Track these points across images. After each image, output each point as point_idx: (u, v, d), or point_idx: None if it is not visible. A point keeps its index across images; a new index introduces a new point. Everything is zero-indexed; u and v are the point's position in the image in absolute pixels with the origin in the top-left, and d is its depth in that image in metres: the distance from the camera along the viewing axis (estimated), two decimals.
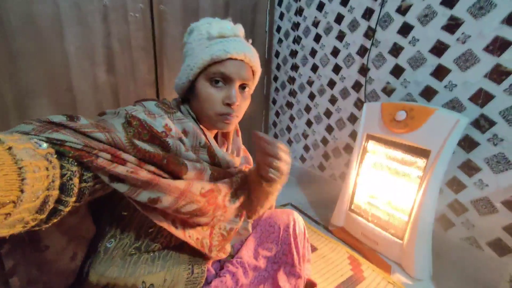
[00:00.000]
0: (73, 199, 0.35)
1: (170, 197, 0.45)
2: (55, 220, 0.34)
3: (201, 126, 0.58)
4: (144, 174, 0.42)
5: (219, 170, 0.58)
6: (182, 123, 0.55)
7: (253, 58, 0.56)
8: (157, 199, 0.44)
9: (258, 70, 0.60)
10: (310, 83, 1.53)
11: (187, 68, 0.55)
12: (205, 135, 0.57)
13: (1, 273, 0.42)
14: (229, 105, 0.54)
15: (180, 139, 0.52)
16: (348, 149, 1.37)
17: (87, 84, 1.19)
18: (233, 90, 0.54)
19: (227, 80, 0.54)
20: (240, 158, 0.69)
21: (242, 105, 0.58)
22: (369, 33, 1.18)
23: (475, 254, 0.94)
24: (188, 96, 0.59)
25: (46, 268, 0.47)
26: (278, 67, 1.74)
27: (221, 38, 0.54)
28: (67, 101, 1.15)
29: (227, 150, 0.66)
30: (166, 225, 0.51)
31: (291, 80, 1.66)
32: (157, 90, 1.38)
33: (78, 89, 1.17)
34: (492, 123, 0.86)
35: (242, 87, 0.57)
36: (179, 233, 0.53)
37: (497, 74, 0.84)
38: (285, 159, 0.50)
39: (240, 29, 0.57)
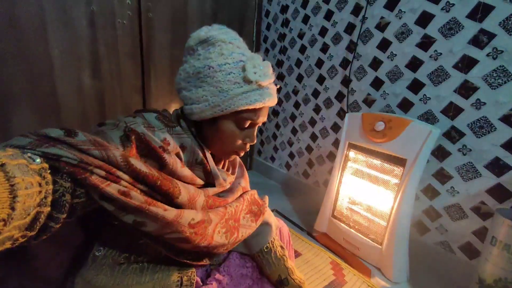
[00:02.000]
0: (64, 215, 0.35)
1: (156, 224, 0.45)
2: (44, 237, 0.34)
3: (200, 143, 0.58)
4: (135, 196, 0.41)
5: (214, 199, 0.57)
6: (180, 138, 0.54)
7: (276, 100, 0.59)
8: (142, 223, 0.44)
9: None
10: (296, 92, 1.57)
11: (216, 107, 0.52)
12: (203, 152, 0.57)
13: None
14: (246, 143, 0.58)
15: (177, 154, 0.52)
16: (331, 157, 1.42)
17: (72, 88, 1.17)
18: (254, 131, 0.58)
19: (253, 124, 0.57)
20: (235, 176, 0.69)
21: None
22: (351, 47, 1.24)
23: (448, 257, 0.99)
24: (203, 124, 0.58)
25: (34, 277, 0.47)
26: None
27: (258, 87, 0.52)
28: (50, 105, 1.13)
29: (223, 167, 0.66)
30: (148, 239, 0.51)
31: (277, 89, 1.69)
32: (143, 96, 1.38)
33: (62, 94, 1.15)
34: (462, 134, 0.93)
35: None
36: (160, 245, 0.53)
37: (465, 90, 0.91)
38: None
39: (272, 73, 0.55)
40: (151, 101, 1.39)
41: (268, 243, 0.67)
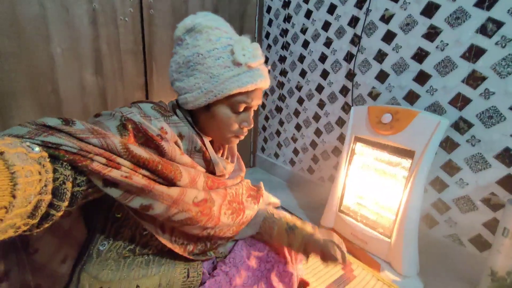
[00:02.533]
0: (66, 203, 0.34)
1: (162, 204, 0.45)
2: (47, 225, 0.33)
3: (197, 131, 0.58)
4: (138, 179, 0.41)
5: (213, 179, 0.58)
6: (178, 126, 0.55)
7: (269, 82, 0.59)
8: (149, 206, 0.44)
9: None
10: (299, 87, 1.56)
11: (209, 93, 0.52)
12: (202, 140, 0.58)
13: None
14: (244, 127, 0.58)
15: (176, 143, 0.52)
16: (336, 151, 1.41)
17: (74, 86, 1.17)
18: (250, 115, 0.58)
19: (247, 107, 0.57)
20: (234, 165, 0.70)
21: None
22: (355, 40, 1.23)
23: (458, 250, 0.98)
24: (199, 111, 0.58)
25: (37, 271, 0.46)
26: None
27: (248, 68, 0.52)
28: (52, 103, 1.12)
29: (222, 155, 0.67)
30: (153, 230, 0.51)
31: (280, 85, 1.69)
32: (146, 93, 1.37)
33: (64, 91, 1.15)
34: (470, 125, 0.92)
35: None
36: (165, 240, 0.53)
37: (473, 80, 0.89)
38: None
39: (261, 54, 0.55)
40: (154, 98, 1.39)
41: (269, 210, 0.70)
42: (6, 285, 0.40)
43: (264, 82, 0.56)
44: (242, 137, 0.61)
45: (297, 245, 0.65)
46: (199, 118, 0.58)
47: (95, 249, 0.55)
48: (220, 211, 0.55)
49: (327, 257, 0.62)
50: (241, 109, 0.56)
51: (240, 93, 0.53)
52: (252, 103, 0.56)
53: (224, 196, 0.58)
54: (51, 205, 0.32)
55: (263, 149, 1.94)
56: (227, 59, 0.51)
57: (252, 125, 0.59)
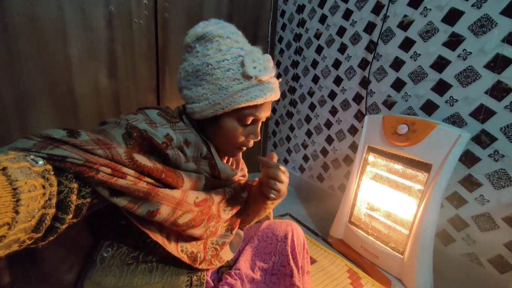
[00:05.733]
0: (70, 216, 0.34)
1: (168, 208, 0.45)
2: (52, 238, 0.33)
3: (204, 137, 0.58)
4: (144, 186, 0.42)
5: (214, 181, 0.58)
6: (184, 133, 0.54)
7: (279, 95, 0.58)
8: (156, 212, 0.44)
9: None
10: (311, 93, 1.53)
11: (216, 105, 0.51)
12: (208, 147, 0.57)
13: None
14: (250, 140, 0.57)
15: (181, 149, 0.52)
16: (348, 160, 1.37)
17: (89, 88, 1.19)
18: (257, 127, 0.57)
19: (255, 120, 0.56)
20: (239, 171, 0.69)
21: None
22: (371, 47, 1.20)
23: (476, 270, 0.92)
24: (206, 122, 0.57)
25: (42, 281, 0.46)
26: (279, 77, 1.75)
27: (258, 82, 0.51)
28: (68, 104, 1.14)
29: (227, 162, 0.66)
30: (160, 240, 0.50)
31: (292, 90, 1.67)
32: (158, 97, 1.38)
33: (79, 93, 1.17)
34: (493, 139, 0.87)
35: None
36: (172, 248, 0.52)
37: (498, 91, 0.85)
38: (284, 181, 0.53)
39: (272, 67, 0.53)
40: (165, 101, 1.39)
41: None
42: None
43: (274, 95, 0.54)
44: (244, 149, 0.60)
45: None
46: (206, 127, 0.58)
47: (99, 256, 0.55)
48: (219, 209, 0.56)
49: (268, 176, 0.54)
50: (249, 122, 0.54)
51: (248, 107, 0.51)
52: (260, 116, 0.55)
53: (223, 196, 0.59)
54: (55, 218, 0.32)
55: None
56: (237, 71, 0.50)
57: (259, 138, 0.57)
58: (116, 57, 1.23)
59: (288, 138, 1.75)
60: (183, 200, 0.48)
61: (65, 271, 0.50)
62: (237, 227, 0.65)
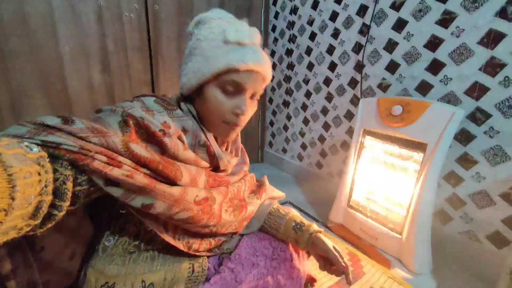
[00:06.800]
0: (67, 203, 0.34)
1: (164, 203, 0.45)
2: (50, 225, 0.33)
3: (201, 126, 0.57)
4: (140, 178, 0.41)
5: (215, 177, 0.57)
6: (181, 121, 0.54)
7: (268, 68, 0.55)
8: (151, 205, 0.44)
9: (269, 79, 0.58)
10: (306, 81, 1.53)
11: (199, 72, 0.52)
12: (205, 134, 0.57)
13: None
14: (237, 114, 0.53)
15: (179, 137, 0.51)
16: (345, 146, 1.37)
17: (82, 84, 1.19)
18: (243, 100, 0.53)
19: (239, 89, 0.53)
20: (238, 158, 0.68)
21: (249, 113, 0.57)
22: (364, 30, 1.19)
23: (474, 247, 0.93)
24: (193, 95, 0.57)
25: (45, 268, 0.47)
26: (274, 66, 1.74)
27: (238, 46, 0.50)
28: (61, 101, 1.15)
29: (226, 149, 0.66)
30: (156, 228, 0.50)
31: (287, 78, 1.66)
32: (153, 90, 1.38)
33: (72, 89, 1.17)
34: (488, 116, 0.86)
35: (252, 95, 0.56)
36: (168, 236, 0.53)
37: (492, 67, 0.84)
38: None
39: (257, 36, 0.54)
40: (160, 93, 1.39)
41: (273, 205, 0.69)
42: (14, 283, 0.41)
43: (258, 64, 0.51)
44: (235, 128, 0.56)
45: (303, 244, 0.64)
46: (197, 108, 0.56)
47: (101, 245, 0.56)
48: (221, 209, 0.55)
49: (332, 263, 0.60)
50: (232, 90, 0.52)
51: (228, 71, 0.50)
52: (244, 84, 0.52)
53: (225, 194, 0.57)
54: (52, 205, 0.32)
55: (271, 144, 1.92)
56: (220, 40, 0.50)
57: (246, 112, 0.53)
58: (108, 52, 1.22)
59: (286, 127, 1.75)
60: (181, 198, 0.47)
61: (66, 259, 0.50)
62: (239, 233, 0.65)
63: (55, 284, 0.49)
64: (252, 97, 0.56)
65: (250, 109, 0.56)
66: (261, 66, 0.52)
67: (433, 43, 0.97)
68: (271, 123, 1.88)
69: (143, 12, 1.27)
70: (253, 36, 0.52)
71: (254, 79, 0.52)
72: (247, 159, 0.72)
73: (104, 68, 1.23)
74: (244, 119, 0.56)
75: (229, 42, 0.50)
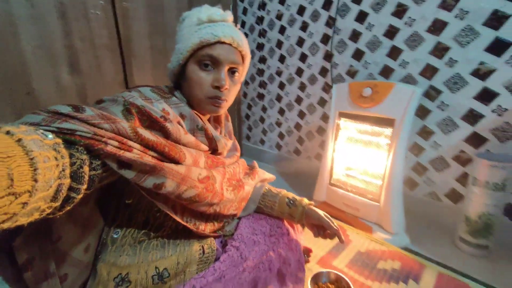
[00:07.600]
0: (85, 186, 0.36)
1: (173, 182, 0.48)
2: (68, 208, 0.35)
3: (195, 111, 0.60)
4: (149, 160, 0.44)
5: (213, 159, 0.61)
6: (178, 107, 0.56)
7: (242, 42, 0.58)
8: (162, 185, 0.47)
9: (248, 55, 0.62)
10: (279, 73, 1.60)
11: (177, 52, 0.57)
12: (201, 119, 0.60)
13: (13, 269, 0.40)
14: (218, 88, 0.56)
15: (179, 123, 0.54)
16: (321, 130, 1.48)
17: (50, 86, 1.11)
18: (222, 73, 0.56)
19: (216, 63, 0.56)
20: (232, 142, 0.73)
21: (232, 89, 0.60)
22: (330, 22, 1.29)
23: (437, 205, 1.10)
24: (180, 81, 0.61)
25: (61, 260, 0.46)
26: None
27: (210, 23, 0.56)
28: (29, 105, 1.06)
29: (220, 133, 0.70)
30: (166, 209, 0.53)
31: (260, 72, 1.72)
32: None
33: (40, 92, 1.08)
34: (439, 92, 1.02)
35: (232, 71, 0.59)
36: (178, 217, 0.55)
37: (439, 51, 0.99)
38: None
39: (229, 15, 0.59)
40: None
41: (265, 186, 0.77)
42: (30, 274, 0.41)
43: (229, 36, 0.55)
44: (220, 103, 0.58)
45: (298, 216, 0.71)
46: (185, 92, 0.61)
47: (108, 238, 0.56)
48: (222, 187, 0.59)
49: (326, 228, 0.69)
50: (209, 63, 0.56)
51: (203, 47, 0.55)
52: (221, 58, 0.55)
53: (223, 174, 0.62)
54: (71, 188, 0.34)
55: (248, 138, 1.97)
56: (195, 24, 0.56)
57: (225, 85, 0.56)
58: (75, 51, 1.16)
59: (262, 119, 1.82)
60: (187, 176, 0.50)
61: (82, 251, 0.50)
62: (238, 215, 0.70)
63: (72, 279, 0.49)
64: (233, 73, 0.59)
65: (232, 85, 0.60)
66: (232, 38, 0.56)
67: (391, 32, 1.10)
68: (247, 117, 1.92)
69: (111, 9, 1.22)
70: (225, 15, 0.58)
71: (228, 52, 0.56)
72: (238, 147, 0.77)
73: (73, 69, 1.16)
74: (227, 94, 0.59)
75: (202, 22, 0.56)
